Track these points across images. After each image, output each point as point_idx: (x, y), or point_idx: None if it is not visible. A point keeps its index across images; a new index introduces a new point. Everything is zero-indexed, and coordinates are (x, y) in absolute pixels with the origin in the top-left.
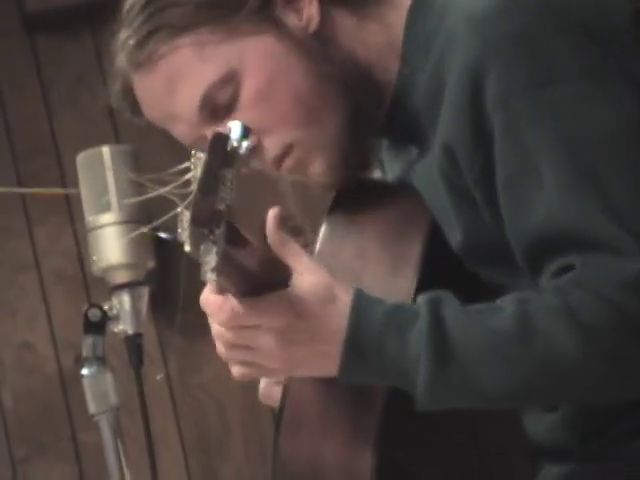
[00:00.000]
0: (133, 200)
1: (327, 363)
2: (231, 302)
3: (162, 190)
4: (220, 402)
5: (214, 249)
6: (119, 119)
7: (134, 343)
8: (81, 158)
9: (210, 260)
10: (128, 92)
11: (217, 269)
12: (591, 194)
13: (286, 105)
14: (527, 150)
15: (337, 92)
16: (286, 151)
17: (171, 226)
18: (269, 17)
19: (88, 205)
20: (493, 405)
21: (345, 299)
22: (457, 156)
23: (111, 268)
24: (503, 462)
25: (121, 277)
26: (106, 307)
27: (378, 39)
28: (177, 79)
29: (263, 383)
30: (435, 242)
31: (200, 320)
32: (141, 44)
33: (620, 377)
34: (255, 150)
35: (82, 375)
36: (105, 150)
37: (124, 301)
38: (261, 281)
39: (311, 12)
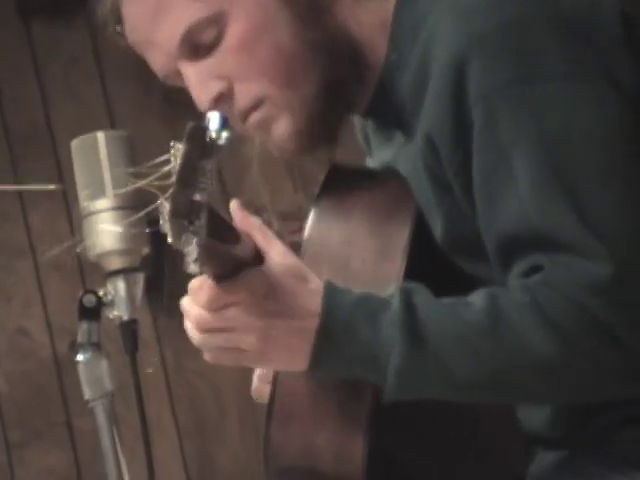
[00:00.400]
0: (124, 190)
1: (302, 343)
2: (208, 283)
3: (142, 182)
4: (215, 387)
5: (194, 240)
6: (114, 104)
7: (129, 329)
8: (75, 144)
9: (192, 251)
10: (115, 10)
11: (199, 260)
12: (563, 195)
13: (266, 59)
14: (503, 147)
15: (320, 60)
16: (255, 105)
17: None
18: None
19: (82, 191)
20: (461, 397)
21: (317, 282)
22: (438, 148)
23: (106, 254)
24: (498, 450)
25: (116, 263)
26: (101, 293)
27: (372, 18)
28: (165, 8)
29: (256, 381)
30: (423, 229)
31: None
32: None
33: (590, 378)
34: (225, 96)
35: (77, 361)
36: (100, 136)
37: (119, 287)
38: (240, 264)
39: None
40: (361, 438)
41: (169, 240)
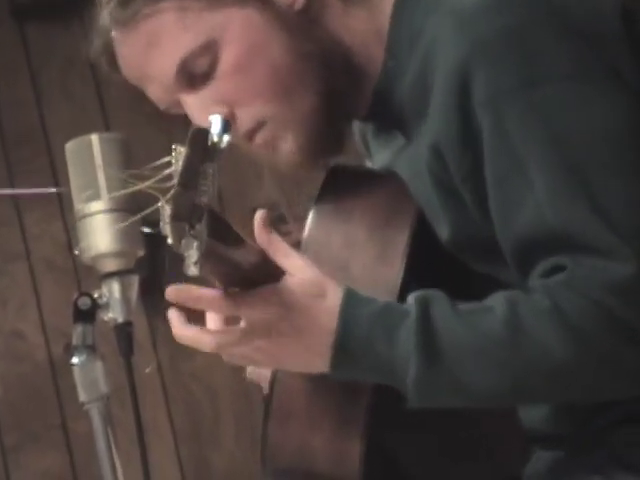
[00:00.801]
0: (119, 193)
1: (316, 358)
2: (224, 295)
3: (143, 185)
4: (211, 389)
5: (195, 243)
6: (109, 106)
7: (124, 331)
8: (70, 146)
9: (192, 254)
10: (108, 48)
11: (199, 263)
12: (580, 195)
13: (263, 79)
14: (516, 150)
15: (316, 73)
16: (258, 126)
17: (158, 217)
18: None
19: (77, 193)
20: (483, 405)
21: (335, 297)
22: (445, 157)
23: (101, 256)
24: (497, 450)
25: (111, 265)
26: (96, 295)
27: (364, 26)
28: (157, 43)
29: None
30: (422, 230)
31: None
32: (125, 3)
33: (608, 378)
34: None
35: (72, 364)
36: (94, 138)
37: (114, 289)
38: (252, 276)
39: None
40: (358, 439)
41: (169, 242)
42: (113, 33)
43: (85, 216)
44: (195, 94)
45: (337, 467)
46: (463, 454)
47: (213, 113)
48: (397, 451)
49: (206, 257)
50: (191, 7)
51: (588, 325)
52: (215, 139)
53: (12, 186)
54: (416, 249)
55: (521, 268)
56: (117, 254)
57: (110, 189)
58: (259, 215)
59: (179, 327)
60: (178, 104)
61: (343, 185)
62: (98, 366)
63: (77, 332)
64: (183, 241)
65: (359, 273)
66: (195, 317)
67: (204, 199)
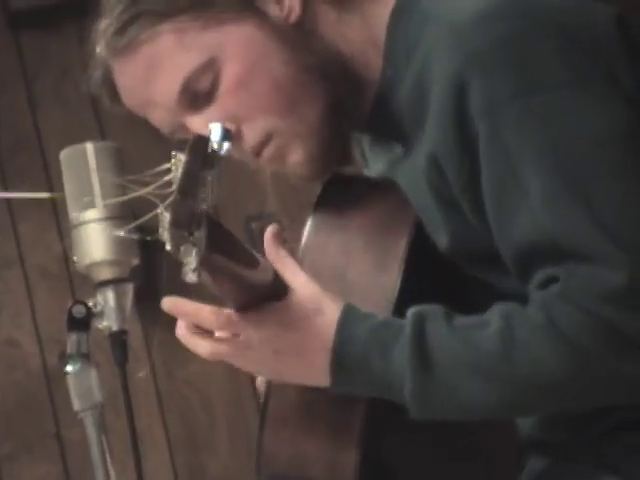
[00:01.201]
0: (114, 200)
1: (316, 374)
2: (226, 312)
3: (143, 191)
4: (206, 397)
5: (194, 251)
6: (104, 115)
7: (119, 339)
8: (65, 154)
9: (190, 261)
10: (108, 80)
11: (198, 270)
12: (576, 203)
13: (266, 93)
14: (512, 159)
15: (317, 83)
16: (265, 140)
17: (155, 225)
18: (250, 6)
19: (72, 202)
20: (479, 417)
21: (332, 313)
22: (443, 166)
23: (95, 265)
24: (493, 459)
25: (105, 273)
26: (91, 303)
27: (359, 34)
28: (157, 66)
29: None
30: (420, 239)
31: None
32: (122, 30)
33: (605, 388)
34: (235, 139)
35: (66, 372)
36: (89, 147)
37: (109, 297)
38: (261, 294)
39: (292, 3)
40: (353, 447)
41: (167, 249)
42: (112, 63)
43: (80, 224)
44: (199, 114)
45: (332, 475)
46: (458, 464)
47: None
48: (392, 460)
49: (205, 264)
50: (189, 28)
51: (583, 337)
52: (215, 146)
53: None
54: (413, 257)
55: (520, 276)
56: (112, 262)
57: (105, 197)
58: (270, 229)
59: (181, 327)
60: (182, 127)
61: (341, 193)
62: (92, 374)
63: (71, 340)
64: (182, 248)
65: (356, 281)
66: None
67: (203, 206)
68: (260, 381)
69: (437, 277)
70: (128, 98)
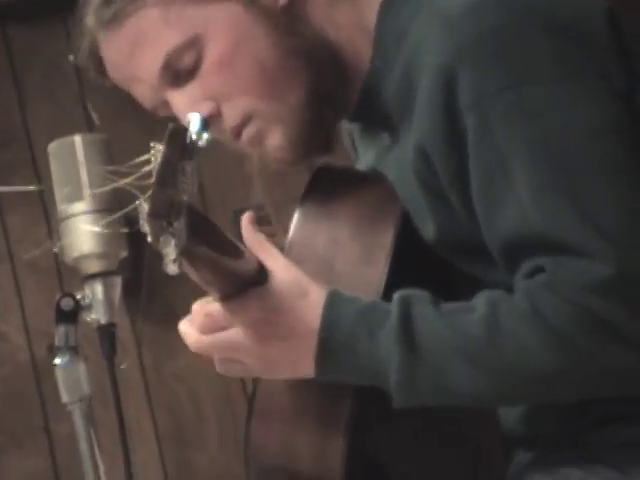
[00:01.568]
0: (95, 192)
1: (302, 360)
2: (207, 307)
3: (122, 182)
4: (194, 391)
5: (173, 241)
6: (92, 107)
7: (107, 332)
8: (53, 147)
9: (170, 252)
10: (94, 51)
11: (178, 261)
12: (564, 196)
13: (248, 74)
14: (500, 151)
15: (302, 68)
16: (245, 121)
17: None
18: None
19: (60, 194)
20: (465, 404)
21: (318, 296)
22: (431, 158)
23: (83, 257)
24: (479, 450)
25: (93, 266)
26: (79, 296)
27: (349, 21)
28: (141, 40)
29: None
30: (408, 230)
31: (173, 308)
32: (108, 2)
33: (591, 379)
34: (214, 118)
35: (55, 365)
36: (77, 139)
37: (97, 290)
38: (246, 282)
39: None
40: (340, 438)
41: (148, 240)
42: (98, 35)
43: (68, 217)
44: (181, 91)
45: (320, 467)
46: (446, 450)
47: (199, 109)
48: (380, 448)
49: (185, 255)
50: (175, 3)
51: (568, 328)
52: (194, 137)
53: None
54: (401, 249)
55: (507, 267)
56: (100, 255)
57: (93, 189)
58: (246, 215)
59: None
60: (165, 104)
61: (329, 185)
62: (81, 367)
63: (60, 333)
64: (161, 239)
65: (344, 272)
66: None
67: (183, 197)
68: None
69: (424, 269)
70: (113, 71)
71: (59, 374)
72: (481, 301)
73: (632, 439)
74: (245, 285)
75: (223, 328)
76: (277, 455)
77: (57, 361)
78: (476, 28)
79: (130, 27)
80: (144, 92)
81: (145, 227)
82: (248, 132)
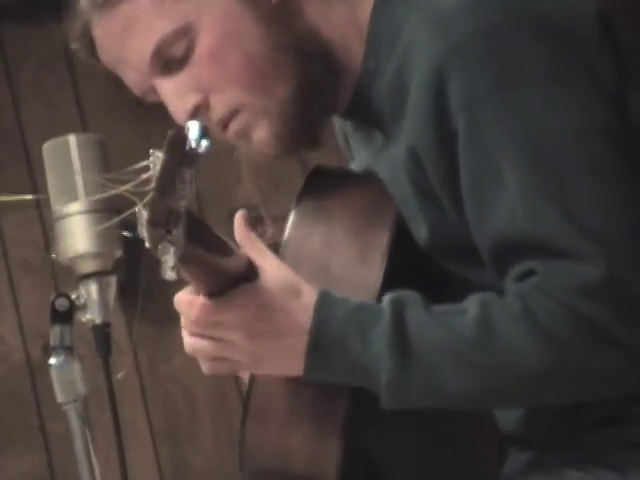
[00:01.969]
0: (94, 198)
1: (292, 358)
2: (199, 299)
3: (121, 189)
4: (189, 390)
5: (172, 249)
6: (86, 107)
7: (102, 332)
8: (47, 147)
9: (169, 259)
10: (86, 33)
11: (176, 268)
12: (553, 198)
13: (238, 66)
14: (489, 153)
15: (292, 63)
16: (232, 113)
17: (135, 221)
18: None
19: (55, 194)
20: (456, 406)
21: (309, 295)
22: (423, 159)
23: (78, 257)
24: (474, 450)
25: (88, 266)
26: (74, 296)
27: (343, 18)
28: (133, 26)
29: None
30: (403, 232)
31: (169, 309)
32: None
33: (583, 381)
34: (202, 108)
35: (50, 365)
36: (71, 139)
37: (92, 290)
38: (235, 279)
39: None
40: (336, 439)
41: (147, 246)
42: (91, 17)
43: (63, 217)
44: (170, 79)
45: (315, 468)
46: (440, 455)
47: (187, 99)
48: (375, 448)
49: (183, 262)
50: None
51: (559, 328)
52: (193, 144)
53: None
54: (396, 251)
55: (497, 270)
56: (95, 255)
57: (88, 189)
58: (239, 214)
59: (180, 292)
60: (154, 90)
61: (324, 186)
62: (76, 367)
63: (55, 333)
64: (160, 246)
65: (339, 274)
66: None
67: (181, 204)
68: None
69: (419, 271)
70: (103, 54)
71: (54, 374)
72: (472, 303)
73: (630, 440)
74: (235, 282)
75: (214, 322)
76: (272, 456)
77: (52, 361)
78: (467, 29)
79: (123, 11)
80: (133, 77)
81: (143, 233)
82: (235, 125)
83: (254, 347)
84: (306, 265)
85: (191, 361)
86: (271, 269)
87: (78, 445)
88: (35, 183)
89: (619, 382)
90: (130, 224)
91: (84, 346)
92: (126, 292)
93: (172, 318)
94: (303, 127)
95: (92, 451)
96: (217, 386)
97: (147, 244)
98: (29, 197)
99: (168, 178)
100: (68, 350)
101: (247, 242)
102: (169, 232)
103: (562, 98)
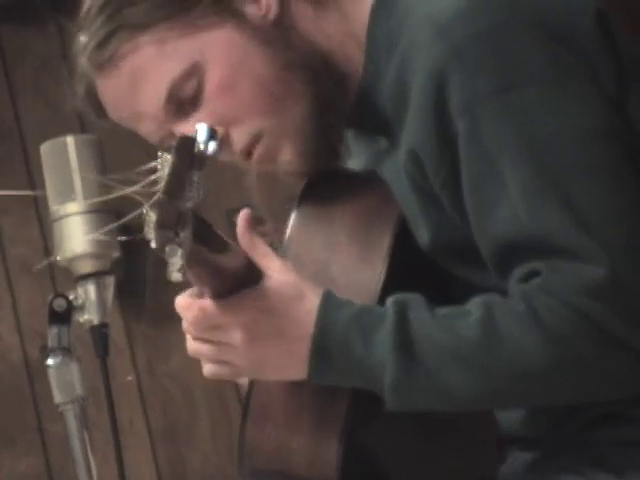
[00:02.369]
0: (99, 199)
1: (294, 362)
2: (200, 302)
3: (128, 190)
4: (187, 390)
5: (179, 251)
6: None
7: (99, 333)
8: (45, 148)
9: (175, 261)
10: (92, 95)
11: (183, 270)
12: (555, 199)
13: (251, 94)
14: (491, 155)
15: (300, 79)
16: (254, 141)
17: (138, 221)
18: (227, 8)
19: (53, 195)
20: (461, 408)
21: (313, 299)
22: (423, 162)
23: (76, 258)
24: (475, 450)
25: (86, 267)
26: (72, 297)
27: (338, 29)
28: (140, 77)
29: None
30: (405, 233)
31: (167, 309)
32: (102, 45)
33: (585, 381)
34: (224, 142)
35: (48, 365)
36: (69, 140)
37: (89, 291)
38: (236, 281)
39: (269, 1)
40: (336, 441)
41: (152, 247)
42: (94, 78)
43: (61, 217)
44: (187, 121)
45: (314, 469)
46: (441, 455)
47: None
48: (375, 452)
49: (190, 264)
50: (168, 36)
51: (564, 328)
52: (201, 147)
53: None
54: (398, 252)
55: (499, 272)
56: (92, 256)
57: (85, 190)
58: (242, 214)
59: (182, 295)
60: (171, 136)
61: (326, 187)
62: (74, 368)
63: (52, 334)
64: (167, 248)
65: (340, 275)
66: None
67: (189, 206)
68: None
69: (422, 273)
70: (114, 112)
71: (52, 375)
72: (475, 305)
73: (630, 440)
74: (235, 283)
75: (216, 325)
76: (272, 457)
77: (50, 362)
78: (468, 31)
79: (127, 66)
80: (149, 127)
81: (150, 236)
82: (259, 151)
83: (255, 351)
84: (307, 266)
85: (189, 361)
86: (276, 273)
87: (76, 446)
88: (33, 183)
89: (623, 382)
90: (131, 227)
91: (82, 347)
92: (124, 293)
93: (170, 318)
94: (324, 140)
95: (90, 451)
96: (216, 386)
97: (154, 246)
98: (27, 193)
99: (177, 180)
100: (66, 351)
101: (250, 244)
102: (177, 234)
103: (563, 100)
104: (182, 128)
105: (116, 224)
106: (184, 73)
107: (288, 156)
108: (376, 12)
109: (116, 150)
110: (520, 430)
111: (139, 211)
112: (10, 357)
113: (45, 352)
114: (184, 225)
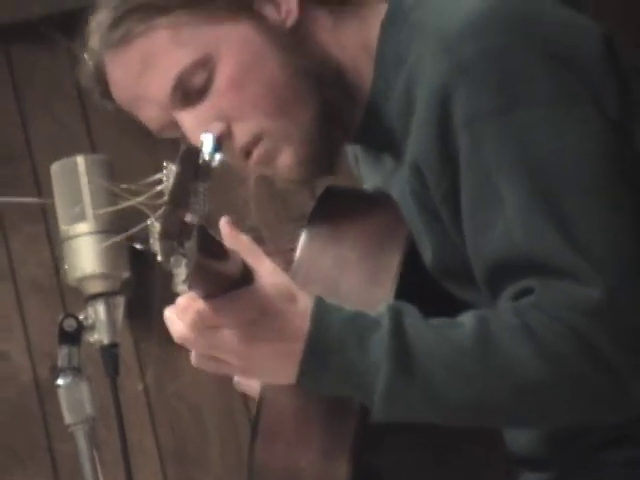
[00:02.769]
0: (105, 210)
1: (288, 364)
2: (196, 303)
3: (134, 201)
4: (197, 410)
5: (184, 262)
6: (94, 127)
7: (109, 353)
8: (55, 168)
9: (181, 272)
10: (99, 73)
11: (188, 281)
12: (550, 219)
13: (259, 94)
14: (489, 173)
15: (310, 87)
16: (255, 141)
17: (146, 236)
18: (248, 7)
19: (63, 215)
20: (451, 420)
21: (306, 301)
22: (425, 177)
23: (86, 278)
24: (484, 471)
25: (96, 287)
26: (81, 317)
27: (353, 41)
28: (151, 60)
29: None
30: (414, 253)
31: None
32: (117, 23)
33: (573, 398)
34: (225, 138)
35: (58, 385)
36: (80, 160)
37: (99, 311)
38: (232, 284)
39: (290, 7)
40: (345, 460)
41: (158, 259)
42: (105, 56)
43: (71, 237)
44: (191, 111)
45: None
46: (449, 475)
47: (209, 129)
48: (384, 471)
49: (195, 275)
50: (185, 23)
51: (557, 344)
52: (206, 158)
53: None
54: (407, 272)
55: (491, 290)
56: (103, 276)
57: (96, 210)
58: (222, 223)
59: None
60: (172, 125)
61: (336, 206)
62: (84, 388)
63: (62, 354)
64: (172, 259)
65: (349, 295)
66: None
67: (194, 217)
68: (237, 380)
69: (429, 293)
70: (119, 92)
71: (62, 395)
72: (468, 317)
73: (637, 461)
74: (230, 285)
75: (212, 327)
76: (281, 476)
77: (60, 382)
78: (474, 49)
79: (139, 47)
80: (151, 113)
81: (156, 246)
82: (259, 151)
83: (249, 352)
84: (317, 284)
85: (199, 379)
86: (268, 274)
87: (86, 465)
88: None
89: (613, 404)
90: (140, 239)
91: (92, 367)
92: (134, 313)
93: None
94: (325, 152)
95: (100, 471)
96: (225, 405)
97: (159, 257)
98: (35, 200)
99: (181, 191)
100: (76, 371)
101: (241, 246)
102: (181, 245)
103: (564, 121)
104: (185, 118)
105: (123, 235)
106: (195, 63)
107: (287, 161)
108: (386, 27)
109: (126, 169)
110: (530, 451)
111: (145, 224)
112: (20, 377)
113: (55, 372)
114: (189, 236)
